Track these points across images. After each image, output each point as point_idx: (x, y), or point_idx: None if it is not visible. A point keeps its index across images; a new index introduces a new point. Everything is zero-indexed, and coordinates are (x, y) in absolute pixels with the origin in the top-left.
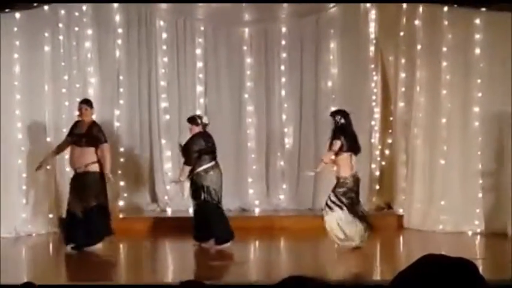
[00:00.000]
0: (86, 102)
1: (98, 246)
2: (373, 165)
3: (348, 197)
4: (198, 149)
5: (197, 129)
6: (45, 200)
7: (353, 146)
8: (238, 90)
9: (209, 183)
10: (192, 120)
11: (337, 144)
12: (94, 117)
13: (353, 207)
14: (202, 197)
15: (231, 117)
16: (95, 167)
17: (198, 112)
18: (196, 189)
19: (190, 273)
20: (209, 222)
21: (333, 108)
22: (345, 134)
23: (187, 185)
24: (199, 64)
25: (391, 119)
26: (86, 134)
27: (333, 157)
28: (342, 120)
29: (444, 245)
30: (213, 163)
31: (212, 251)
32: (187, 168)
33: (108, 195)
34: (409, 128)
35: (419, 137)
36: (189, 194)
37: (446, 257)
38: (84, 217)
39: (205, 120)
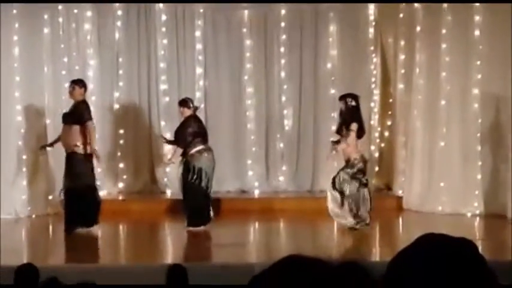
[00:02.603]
0: (74, 82)
1: (94, 229)
2: (373, 147)
3: (357, 177)
4: (193, 131)
5: (188, 112)
6: (44, 181)
7: (360, 129)
8: (238, 72)
9: (201, 165)
10: (184, 103)
11: (355, 126)
12: (94, 98)
13: (360, 188)
14: (190, 178)
15: (231, 99)
16: (80, 149)
17: (198, 94)
18: (187, 170)
19: (188, 255)
20: (190, 202)
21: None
22: (358, 116)
23: (180, 168)
24: (199, 46)
25: (390, 100)
26: (71, 112)
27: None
28: (353, 103)
29: (443, 227)
30: (206, 146)
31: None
32: (180, 151)
33: (95, 178)
34: (408, 110)
35: (418, 119)
36: (179, 177)
37: (446, 236)
38: (69, 199)
39: (196, 104)
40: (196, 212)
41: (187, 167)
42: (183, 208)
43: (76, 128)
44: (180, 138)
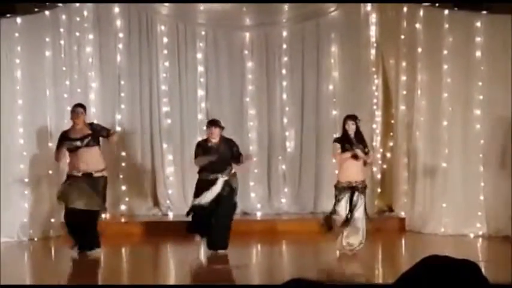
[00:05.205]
0: (81, 106)
1: (98, 251)
2: (375, 168)
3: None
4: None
5: (220, 133)
6: (46, 204)
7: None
8: (240, 94)
9: (236, 186)
10: (216, 123)
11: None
12: (95, 121)
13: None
14: (233, 199)
15: (233, 121)
16: (106, 172)
17: (200, 116)
18: (229, 189)
19: (191, 277)
20: (224, 224)
21: (333, 113)
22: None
23: (215, 188)
24: (201, 68)
25: (392, 122)
26: (92, 133)
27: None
28: (359, 124)
29: (446, 248)
30: None
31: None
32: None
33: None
34: (410, 131)
35: (420, 140)
36: (211, 197)
37: (449, 258)
38: (88, 220)
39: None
40: (227, 234)
41: (230, 187)
42: (213, 229)
43: (99, 152)
44: (239, 155)
